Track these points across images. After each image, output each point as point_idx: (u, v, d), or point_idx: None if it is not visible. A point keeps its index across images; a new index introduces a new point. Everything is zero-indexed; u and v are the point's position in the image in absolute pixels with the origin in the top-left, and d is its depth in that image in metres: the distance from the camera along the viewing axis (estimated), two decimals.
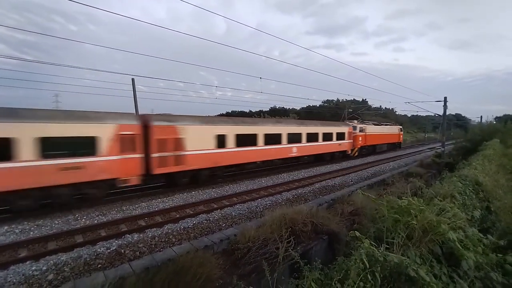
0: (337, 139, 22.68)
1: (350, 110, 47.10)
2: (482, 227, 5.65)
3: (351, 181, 15.01)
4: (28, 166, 8.58)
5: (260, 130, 16.09)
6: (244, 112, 71.27)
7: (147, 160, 11.40)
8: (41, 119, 8.99)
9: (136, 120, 11.28)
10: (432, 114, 37.07)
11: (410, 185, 8.23)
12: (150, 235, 7.47)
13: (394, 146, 35.94)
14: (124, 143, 10.61)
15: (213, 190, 12.80)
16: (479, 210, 6.07)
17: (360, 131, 26.57)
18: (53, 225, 8.35)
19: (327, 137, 21.51)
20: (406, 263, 2.77)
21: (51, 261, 5.95)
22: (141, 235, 7.58)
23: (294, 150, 18.35)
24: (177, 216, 9.24)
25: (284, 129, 17.65)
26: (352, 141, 24.94)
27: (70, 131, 9.43)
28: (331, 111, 60.75)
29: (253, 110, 73.42)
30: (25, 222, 8.50)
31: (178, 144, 12.26)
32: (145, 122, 11.41)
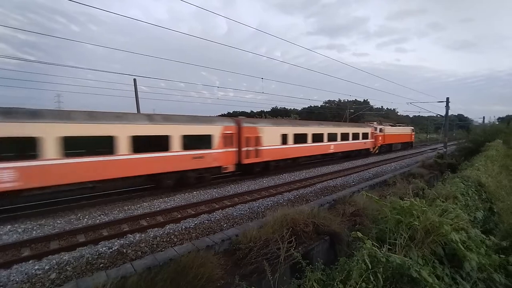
0: (363, 138, 26.39)
1: (351, 110, 47.03)
2: (484, 228, 5.63)
3: (353, 182, 14.97)
4: (175, 155, 12.09)
5: (309, 130, 19.73)
6: (246, 112, 71.39)
7: (239, 153, 14.79)
8: (183, 122, 12.72)
9: (233, 122, 14.75)
10: (434, 115, 36.96)
11: (412, 186, 8.21)
12: (151, 235, 7.48)
13: (407, 144, 38.82)
14: (226, 139, 14.08)
15: (215, 190, 12.82)
16: (482, 211, 6.04)
17: (379, 131, 30.03)
18: (56, 225, 8.39)
19: (355, 136, 25.24)
20: (409, 264, 2.76)
21: (54, 261, 5.98)
22: (142, 235, 7.59)
23: (332, 147, 22.04)
24: (179, 216, 9.26)
25: (325, 129, 21.36)
26: (374, 140, 28.61)
27: (198, 130, 13.07)
28: (332, 112, 60.68)
29: (255, 111, 73.56)
30: (28, 222, 8.55)
31: (258, 141, 15.74)
32: (238, 124, 14.87)
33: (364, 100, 69.06)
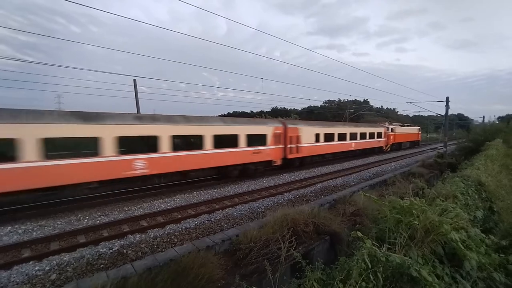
0: (377, 137, 29.80)
1: (351, 110, 47.03)
2: (484, 227, 5.63)
3: (353, 182, 14.97)
4: (241, 151, 15.00)
5: (336, 130, 23.06)
6: (246, 112, 71.36)
7: (284, 149, 17.80)
8: (247, 123, 16.15)
9: (281, 124, 18.08)
10: (434, 114, 36.98)
11: (412, 185, 8.21)
12: (152, 236, 7.49)
13: (414, 143, 42.21)
14: (276, 138, 17.16)
15: (215, 190, 12.83)
16: (482, 211, 6.03)
17: (391, 131, 33.03)
18: (56, 226, 8.40)
19: (371, 135, 28.64)
20: (409, 263, 2.77)
21: (54, 261, 5.98)
22: (143, 235, 7.60)
23: (353, 145, 25.34)
24: (179, 216, 9.26)
25: (347, 130, 24.54)
26: (386, 139, 31.87)
27: (257, 131, 16.08)
28: (332, 112, 60.68)
29: (255, 111, 73.54)
30: (28, 222, 8.56)
31: (298, 139, 18.86)
32: (284, 125, 18.02)
33: (364, 100, 69.04)
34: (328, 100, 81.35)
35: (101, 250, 6.61)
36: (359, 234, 3.16)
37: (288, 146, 17.95)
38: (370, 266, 2.67)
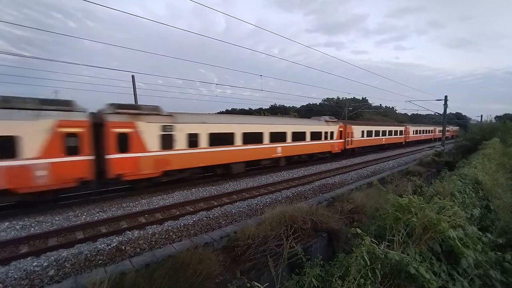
0: (399, 134, 37.05)
1: (350, 108, 47.04)
2: (481, 225, 5.68)
3: (351, 180, 15.03)
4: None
5: (373, 128, 29.61)
6: (244, 109, 71.16)
7: (344, 142, 24.30)
8: (327, 124, 22.20)
9: (343, 123, 24.14)
10: (433, 113, 37.13)
11: (410, 183, 8.25)
12: (150, 232, 7.49)
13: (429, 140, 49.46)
14: (340, 134, 23.60)
15: (213, 187, 12.82)
16: (479, 209, 6.09)
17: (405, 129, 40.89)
18: (54, 222, 8.37)
19: (396, 133, 35.90)
20: (407, 260, 2.79)
21: (52, 257, 5.96)
22: (141, 231, 7.59)
23: (383, 140, 32.53)
24: (177, 213, 9.26)
25: (380, 128, 31.77)
26: (405, 135, 39.10)
27: (330, 129, 22.30)
28: (331, 109, 60.67)
29: (253, 108, 73.35)
30: (26, 218, 8.52)
31: (351, 135, 25.58)
32: (344, 124, 24.38)
33: (362, 98, 69.04)
34: (327, 98, 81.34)
35: (99, 246, 6.59)
36: (359, 231, 3.18)
37: (346, 139, 24.69)
38: (368, 263, 2.68)
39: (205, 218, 8.66)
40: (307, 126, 20.00)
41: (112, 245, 6.64)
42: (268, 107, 72.25)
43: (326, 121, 22.81)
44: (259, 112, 53.21)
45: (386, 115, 71.01)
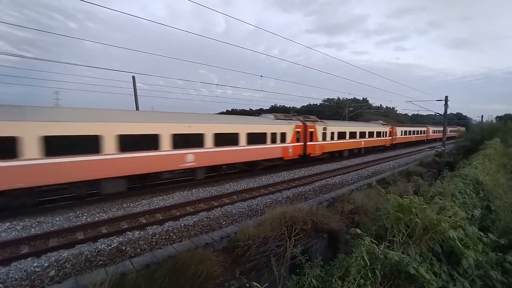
0: (420, 134, 44.25)
1: (350, 108, 47.01)
2: (482, 225, 5.67)
3: (351, 180, 15.01)
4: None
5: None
6: (245, 110, 71.19)
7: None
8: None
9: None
10: (433, 113, 37.10)
11: (411, 184, 8.24)
12: (150, 232, 7.49)
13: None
14: (389, 134, 32.87)
15: (214, 188, 12.83)
16: (479, 209, 6.09)
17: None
18: (54, 222, 8.38)
19: (417, 132, 43.09)
20: (406, 261, 2.78)
21: (53, 258, 5.97)
22: (141, 232, 7.59)
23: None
24: (178, 213, 9.26)
25: (409, 129, 40.00)
26: (426, 135, 46.52)
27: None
28: (331, 110, 60.63)
29: (253, 108, 73.33)
30: (27, 219, 8.53)
31: (395, 134, 34.14)
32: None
33: (363, 98, 68.99)
34: (327, 98, 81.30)
35: (100, 246, 6.60)
36: (359, 231, 3.17)
37: (392, 137, 33.07)
38: (368, 263, 2.68)
39: (205, 219, 8.65)
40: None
41: (112, 246, 6.64)
42: (269, 107, 72.27)
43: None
44: (259, 112, 53.13)
45: (387, 115, 70.91)
